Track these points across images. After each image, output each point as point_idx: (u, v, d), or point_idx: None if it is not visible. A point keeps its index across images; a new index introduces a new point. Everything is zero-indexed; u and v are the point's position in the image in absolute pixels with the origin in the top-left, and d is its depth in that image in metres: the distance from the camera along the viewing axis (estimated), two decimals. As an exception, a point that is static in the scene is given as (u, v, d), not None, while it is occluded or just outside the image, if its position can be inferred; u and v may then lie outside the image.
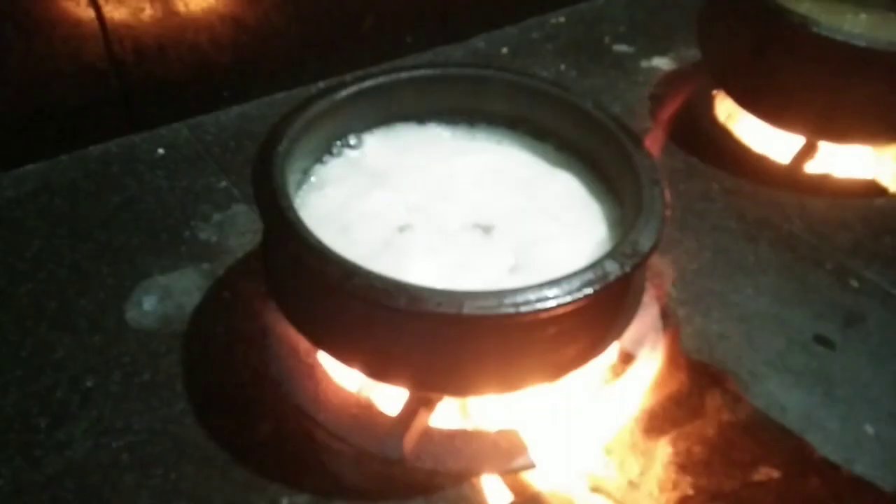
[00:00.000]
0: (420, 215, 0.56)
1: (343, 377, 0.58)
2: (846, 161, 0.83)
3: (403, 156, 0.61)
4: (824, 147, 0.82)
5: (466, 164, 0.61)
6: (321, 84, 0.92)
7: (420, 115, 0.64)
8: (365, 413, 0.56)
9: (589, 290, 0.46)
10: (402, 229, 0.55)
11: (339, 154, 0.61)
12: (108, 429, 0.57)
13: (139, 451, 0.55)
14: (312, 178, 0.59)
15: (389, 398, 0.57)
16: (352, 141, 0.62)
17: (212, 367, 0.61)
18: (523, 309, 0.45)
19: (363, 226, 0.55)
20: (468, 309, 0.44)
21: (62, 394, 0.59)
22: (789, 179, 0.82)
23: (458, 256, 0.53)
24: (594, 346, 0.53)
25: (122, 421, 0.57)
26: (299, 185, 0.58)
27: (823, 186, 0.82)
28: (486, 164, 0.61)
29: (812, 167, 0.83)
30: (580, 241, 0.55)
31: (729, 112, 0.90)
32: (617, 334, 0.54)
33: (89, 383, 0.60)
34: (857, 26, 0.76)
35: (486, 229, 0.56)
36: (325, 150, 0.61)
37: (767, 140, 0.86)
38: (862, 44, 0.72)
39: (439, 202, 0.58)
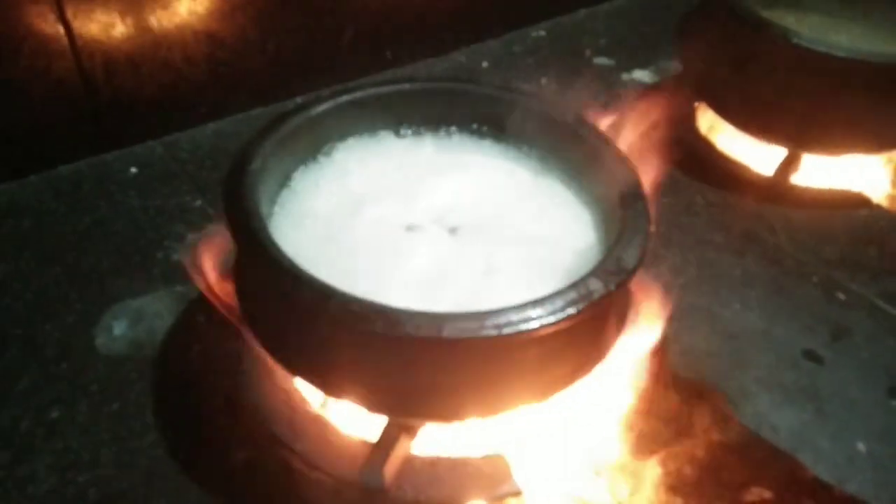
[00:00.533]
0: (402, 223, 0.55)
1: (320, 404, 0.57)
2: (830, 172, 0.83)
3: (383, 167, 0.60)
4: (807, 159, 0.81)
5: (449, 174, 0.60)
6: (299, 99, 0.91)
7: (400, 129, 0.63)
8: (343, 441, 0.54)
9: (573, 310, 0.45)
10: (383, 237, 0.54)
11: (316, 169, 0.60)
12: (74, 462, 0.54)
13: (107, 485, 0.53)
14: (288, 193, 0.58)
15: (369, 425, 0.55)
16: (330, 155, 0.61)
17: (184, 395, 0.59)
18: (506, 331, 0.43)
19: (342, 236, 0.54)
20: (448, 332, 0.43)
21: (26, 426, 0.56)
22: (773, 192, 0.82)
23: (440, 264, 0.52)
24: (580, 366, 0.51)
25: (89, 454, 0.55)
26: (273, 200, 0.56)
27: (808, 198, 0.81)
28: (468, 174, 0.60)
29: (796, 179, 0.82)
30: (564, 248, 0.54)
31: (711, 124, 0.90)
32: (603, 353, 0.53)
33: (55, 414, 0.57)
34: (838, 38, 0.76)
35: (470, 236, 0.55)
36: (300, 166, 0.59)
37: (750, 152, 0.85)
38: (843, 55, 0.71)
39: (420, 211, 0.56)
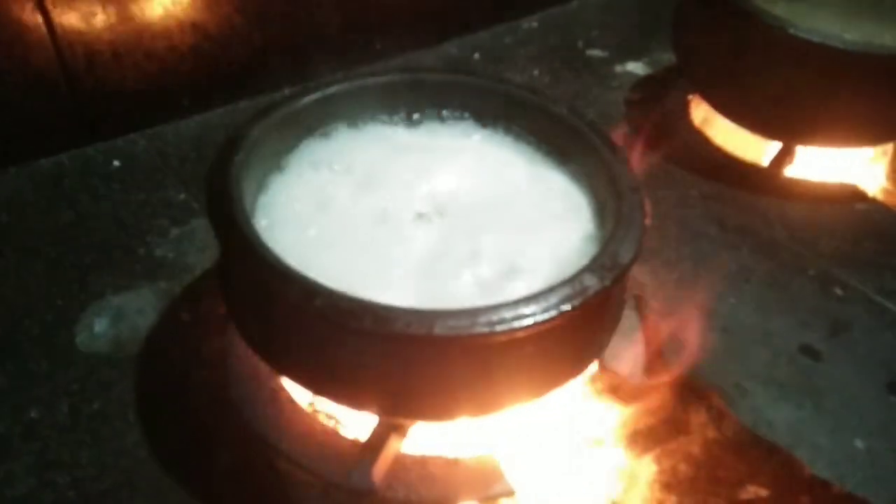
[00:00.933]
0: (391, 212, 0.54)
1: (308, 403, 0.56)
2: (825, 165, 0.82)
3: (371, 158, 0.59)
4: (803, 151, 0.81)
5: (440, 165, 0.59)
6: (286, 91, 0.89)
7: (389, 119, 0.62)
8: (331, 441, 0.53)
9: (567, 306, 0.44)
10: (375, 226, 0.53)
11: (302, 161, 0.58)
12: (53, 464, 0.53)
13: (87, 487, 0.52)
14: (274, 185, 0.56)
15: (357, 424, 0.54)
16: (316, 147, 0.59)
17: (167, 394, 0.58)
18: (498, 328, 0.42)
19: (328, 226, 0.53)
20: (439, 329, 0.42)
21: (3, 427, 0.55)
22: (769, 184, 0.81)
23: (430, 248, 0.51)
24: (574, 364, 0.50)
25: (68, 455, 0.54)
26: (259, 193, 0.55)
27: (803, 191, 0.81)
28: (460, 165, 0.59)
29: (791, 171, 0.82)
30: (558, 240, 0.53)
31: (705, 116, 0.89)
32: (598, 350, 0.52)
33: (34, 414, 0.56)
34: (833, 28, 0.75)
35: (460, 222, 0.54)
36: (286, 157, 0.58)
37: (745, 144, 0.84)
38: (839, 45, 0.70)
39: (409, 199, 0.56)
